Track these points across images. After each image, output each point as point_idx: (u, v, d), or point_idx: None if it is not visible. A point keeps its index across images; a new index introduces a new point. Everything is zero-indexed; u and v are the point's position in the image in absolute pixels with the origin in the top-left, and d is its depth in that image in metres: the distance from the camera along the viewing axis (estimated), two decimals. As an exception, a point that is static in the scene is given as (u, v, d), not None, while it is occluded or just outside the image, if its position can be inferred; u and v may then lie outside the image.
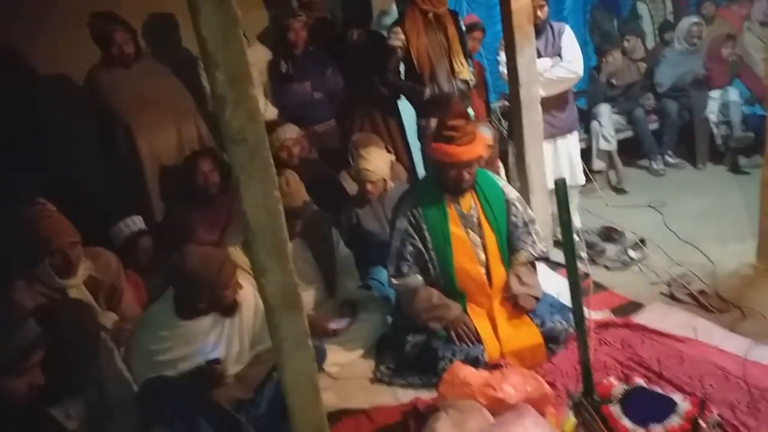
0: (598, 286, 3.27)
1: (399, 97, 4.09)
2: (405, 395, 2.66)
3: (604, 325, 2.83)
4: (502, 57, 3.68)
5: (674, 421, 1.85)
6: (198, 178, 3.33)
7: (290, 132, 3.59)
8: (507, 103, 4.22)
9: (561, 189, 1.65)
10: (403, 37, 3.67)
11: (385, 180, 3.47)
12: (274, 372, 2.45)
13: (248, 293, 2.59)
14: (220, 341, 2.49)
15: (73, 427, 2.05)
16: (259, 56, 3.86)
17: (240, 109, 1.99)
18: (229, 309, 2.50)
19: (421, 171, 4.17)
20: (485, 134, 3.44)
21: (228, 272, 2.43)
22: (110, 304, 2.75)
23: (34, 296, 2.49)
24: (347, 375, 2.86)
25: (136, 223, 3.21)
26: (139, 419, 2.33)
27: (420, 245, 2.77)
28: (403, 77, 3.86)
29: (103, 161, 3.57)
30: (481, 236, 2.80)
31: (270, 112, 3.85)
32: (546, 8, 3.75)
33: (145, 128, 3.43)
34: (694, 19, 5.17)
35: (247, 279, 2.67)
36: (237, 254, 2.86)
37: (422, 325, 2.77)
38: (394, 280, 2.82)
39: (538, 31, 3.69)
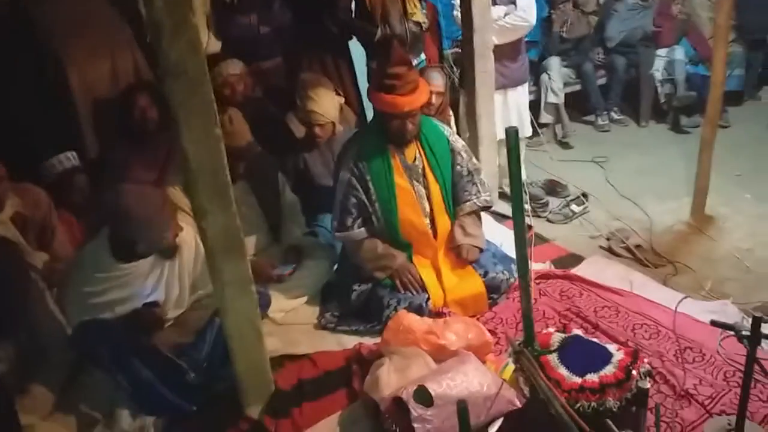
0: (540, 238, 3.34)
1: (350, 38, 3.95)
2: (349, 341, 2.67)
3: (544, 276, 2.91)
4: (457, 0, 3.60)
5: (608, 370, 1.91)
6: (135, 113, 3.13)
7: (234, 67, 3.41)
8: (459, 50, 4.15)
9: (512, 139, 1.62)
10: None
11: (333, 123, 3.36)
12: (216, 316, 2.41)
13: (188, 235, 2.50)
14: (159, 284, 2.41)
15: (2, 369, 1.95)
16: (201, -18, 3.63)
17: (179, 39, 1.86)
18: (169, 251, 2.41)
19: (370, 116, 4.08)
20: (436, 81, 3.38)
21: (168, 212, 2.33)
22: (41, 243, 2.61)
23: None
24: (291, 321, 2.84)
25: (70, 159, 3.01)
26: (74, 362, 2.26)
27: (364, 197, 2.72)
28: (353, 16, 3.72)
29: (33, 91, 3.30)
30: (426, 187, 2.78)
31: (213, 45, 3.64)
32: None
33: (77, 57, 3.18)
34: (646, -27, 5.18)
35: (188, 221, 2.57)
36: (177, 195, 2.73)
37: (367, 274, 2.76)
38: (337, 233, 2.79)
39: None
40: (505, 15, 3.72)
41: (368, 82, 3.86)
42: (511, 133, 1.65)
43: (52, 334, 2.27)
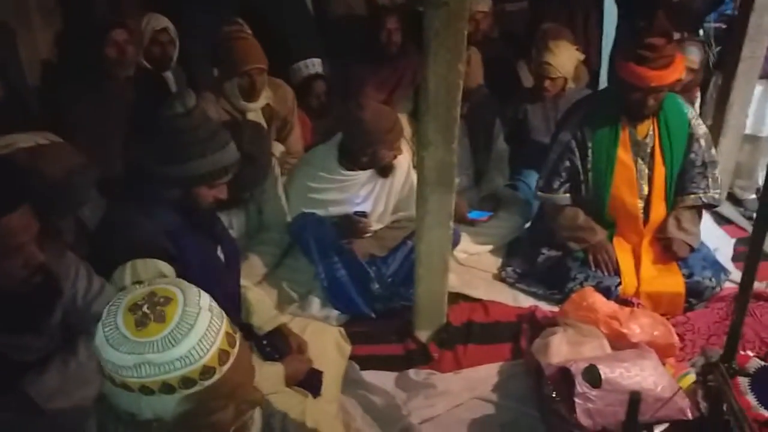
0: (763, 255, 2.98)
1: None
2: (525, 300, 2.69)
3: (756, 296, 2.62)
4: None
5: (805, 414, 1.74)
6: (382, 34, 3.30)
7: (483, 4, 3.40)
8: (724, 26, 3.71)
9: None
10: None
11: (565, 80, 3.24)
12: (409, 240, 2.57)
13: (404, 160, 2.67)
14: (370, 197, 2.62)
15: (233, 235, 2.30)
16: None
17: (446, -30, 1.90)
18: (385, 170, 2.58)
19: (603, 81, 3.88)
20: (692, 56, 3.09)
21: (396, 133, 2.49)
22: (280, 135, 2.94)
23: (217, 111, 2.71)
24: (473, 264, 2.92)
25: (315, 65, 3.30)
26: (287, 245, 2.57)
27: (579, 163, 2.62)
28: None
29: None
30: (651, 167, 2.60)
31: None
32: None
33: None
34: None
35: (406, 147, 2.73)
36: (401, 122, 2.89)
37: (561, 242, 2.71)
38: (540, 193, 2.73)
39: None
40: None
41: (614, 45, 3.64)
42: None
43: (275, 216, 2.60)
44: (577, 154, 2.63)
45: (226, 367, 0.92)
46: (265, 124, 2.77)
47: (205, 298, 0.95)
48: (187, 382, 0.89)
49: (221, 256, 1.83)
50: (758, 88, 3.37)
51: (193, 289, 0.95)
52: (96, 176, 1.86)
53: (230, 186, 1.80)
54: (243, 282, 2.01)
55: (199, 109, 1.67)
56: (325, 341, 2.10)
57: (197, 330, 0.90)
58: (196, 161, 1.59)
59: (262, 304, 1.99)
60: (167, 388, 0.88)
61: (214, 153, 1.62)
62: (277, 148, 2.83)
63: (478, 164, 3.20)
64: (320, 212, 2.55)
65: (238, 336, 0.96)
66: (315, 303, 2.49)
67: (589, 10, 3.73)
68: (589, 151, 2.61)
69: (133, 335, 0.88)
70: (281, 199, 2.59)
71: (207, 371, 0.90)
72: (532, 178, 3.25)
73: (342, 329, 2.24)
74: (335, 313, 2.49)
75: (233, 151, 1.67)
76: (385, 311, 2.56)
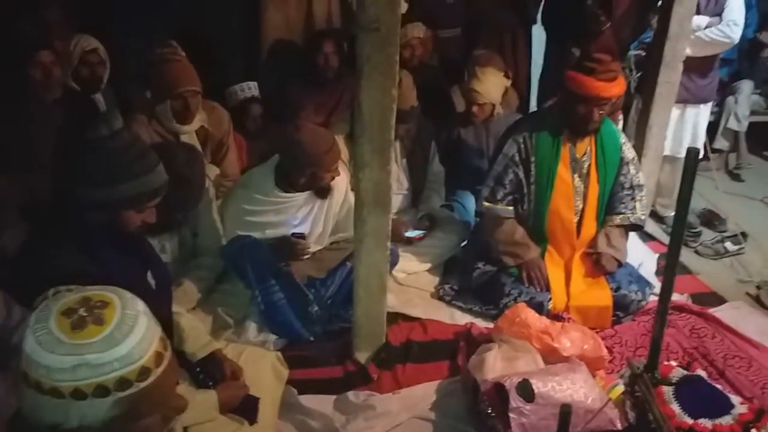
0: (684, 269, 3.17)
1: (535, 22, 3.88)
2: (461, 318, 2.74)
3: (678, 308, 2.77)
4: None
5: (725, 420, 1.82)
6: (319, 58, 3.34)
7: (419, 30, 3.50)
8: (644, 53, 3.93)
9: (692, 160, 1.55)
10: None
11: (493, 105, 3.36)
12: (348, 261, 2.58)
13: (342, 181, 2.68)
14: (308, 219, 2.61)
15: (166, 259, 2.24)
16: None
17: (381, -3, 1.96)
18: (323, 191, 2.59)
19: (534, 106, 4.03)
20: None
21: (334, 155, 2.51)
22: (215, 158, 2.91)
23: (150, 133, 2.67)
24: (411, 283, 2.96)
25: (251, 88, 3.30)
26: (221, 269, 2.53)
27: (522, 176, 2.71)
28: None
29: (234, 19, 3.61)
30: (586, 185, 2.73)
31: (402, 6, 3.75)
32: None
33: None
34: None
35: (343, 168, 2.75)
36: (338, 144, 2.91)
37: (495, 257, 2.78)
38: (485, 203, 2.77)
39: None
40: (707, 26, 3.45)
41: (543, 70, 3.80)
42: (692, 154, 1.58)
43: (210, 240, 2.55)
44: (521, 167, 2.71)
45: (160, 369, 0.93)
46: (199, 147, 2.74)
47: (141, 303, 0.97)
48: (123, 383, 0.89)
49: (151, 281, 1.78)
50: (675, 112, 3.58)
51: (127, 294, 0.97)
52: (17, 200, 1.78)
53: (162, 209, 1.76)
54: (175, 308, 1.96)
55: (126, 131, 1.64)
56: (262, 366, 2.06)
57: (137, 331, 0.91)
58: (122, 184, 1.55)
59: (195, 331, 1.94)
60: (101, 390, 0.88)
61: (141, 176, 1.58)
62: (212, 171, 2.79)
63: (414, 184, 3.25)
64: (257, 235, 2.52)
65: (167, 341, 0.98)
66: (252, 328, 2.46)
67: (518, 37, 3.89)
68: (532, 165, 2.70)
69: (70, 338, 0.88)
70: (216, 223, 2.56)
71: (144, 372, 0.91)
72: (467, 198, 3.34)
73: (279, 354, 2.21)
74: (273, 337, 2.46)
75: (162, 174, 1.64)
76: (324, 334, 2.55)
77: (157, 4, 3.20)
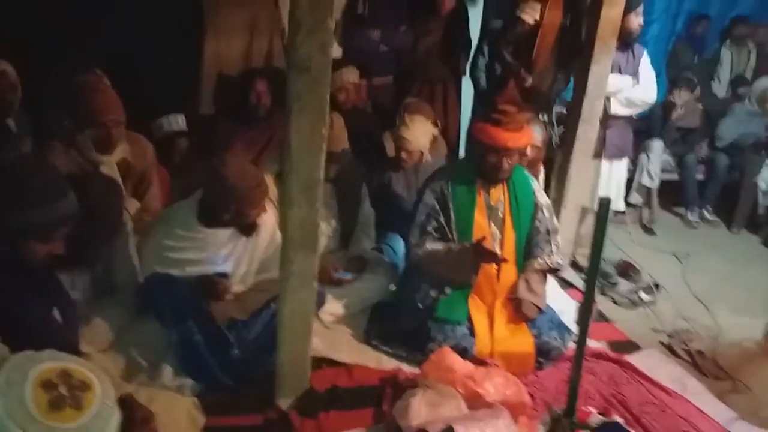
0: (601, 317, 3.27)
1: (465, 73, 4.03)
2: (388, 363, 2.70)
3: (596, 356, 2.84)
4: None
5: (640, 465, 1.87)
6: (251, 96, 3.32)
7: (353, 76, 3.57)
8: (565, 110, 4.15)
9: (604, 209, 1.63)
10: (538, 13, 3.56)
11: (421, 152, 3.43)
12: (272, 303, 2.50)
13: (269, 220, 2.62)
14: (231, 257, 2.53)
15: (75, 297, 2.10)
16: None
17: (312, 38, 1.98)
18: (249, 229, 2.53)
19: (462, 153, 4.14)
20: (536, 134, 3.39)
21: (261, 191, 2.46)
22: (136, 191, 2.78)
23: (67, 162, 2.51)
24: (338, 327, 2.90)
25: (179, 122, 3.23)
26: (137, 308, 2.39)
27: (444, 223, 2.76)
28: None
29: (168, 50, 3.53)
30: (502, 232, 2.79)
31: (335, 50, 3.82)
32: (641, 21, 3.65)
33: (219, 28, 3.38)
34: (771, 83, 5.02)
35: (271, 207, 2.70)
36: (267, 182, 2.86)
37: (439, 282, 2.71)
38: (418, 251, 2.77)
39: (627, 44, 3.62)
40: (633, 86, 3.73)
41: (471, 119, 3.92)
42: (605, 204, 1.65)
43: (126, 277, 2.42)
44: (442, 215, 2.76)
45: None
46: (119, 179, 2.61)
47: (113, 389, 1.00)
48: None
49: (58, 318, 1.66)
50: (605, 165, 3.80)
51: (106, 378, 0.98)
52: None
53: (73, 242, 1.66)
54: (85, 348, 1.83)
55: (34, 157, 1.54)
56: (176, 413, 1.95)
57: (112, 424, 0.96)
58: (25, 211, 1.45)
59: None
60: None
61: (46, 203, 1.48)
62: (132, 205, 2.67)
63: (345, 226, 3.24)
64: (177, 272, 2.41)
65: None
66: (167, 371, 2.31)
67: (448, 87, 4.02)
68: (451, 212, 2.75)
69: (44, 417, 0.87)
70: (132, 259, 2.43)
71: None
72: (397, 241, 3.34)
73: (196, 399, 2.10)
74: (189, 382, 2.32)
75: (71, 204, 1.54)
76: (245, 379, 2.43)
77: (85, 31, 3.10)
